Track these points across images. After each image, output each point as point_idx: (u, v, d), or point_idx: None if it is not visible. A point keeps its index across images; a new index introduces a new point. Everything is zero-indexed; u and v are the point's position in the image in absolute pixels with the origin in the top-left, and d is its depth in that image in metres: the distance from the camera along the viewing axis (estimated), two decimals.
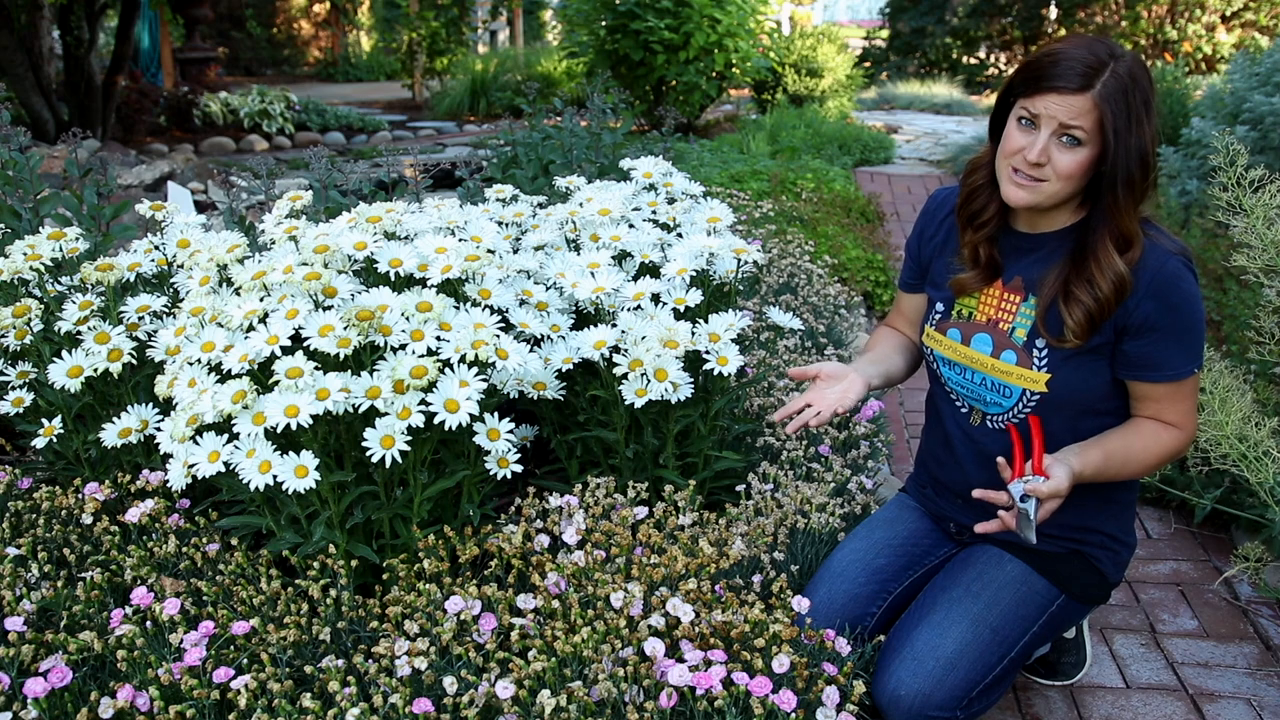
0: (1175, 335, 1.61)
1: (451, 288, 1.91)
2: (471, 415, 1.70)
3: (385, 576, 1.73)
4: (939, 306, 1.82)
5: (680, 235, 2.27)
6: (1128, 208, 1.57)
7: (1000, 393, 1.73)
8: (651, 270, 2.21)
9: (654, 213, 2.35)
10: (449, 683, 1.44)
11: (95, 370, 1.97)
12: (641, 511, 1.87)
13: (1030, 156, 1.58)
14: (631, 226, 2.28)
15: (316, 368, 1.68)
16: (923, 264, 1.89)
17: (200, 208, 5.11)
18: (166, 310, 2.11)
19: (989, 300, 1.75)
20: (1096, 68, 1.53)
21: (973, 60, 14.85)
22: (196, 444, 1.71)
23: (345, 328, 1.72)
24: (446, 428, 1.70)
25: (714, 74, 8.28)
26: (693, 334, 1.98)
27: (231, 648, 1.57)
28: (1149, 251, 1.60)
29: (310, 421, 1.64)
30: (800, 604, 1.65)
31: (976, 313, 1.76)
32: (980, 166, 1.73)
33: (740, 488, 2.08)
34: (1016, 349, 1.70)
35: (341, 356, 1.69)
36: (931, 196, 1.89)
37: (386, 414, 1.69)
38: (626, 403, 1.92)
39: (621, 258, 2.23)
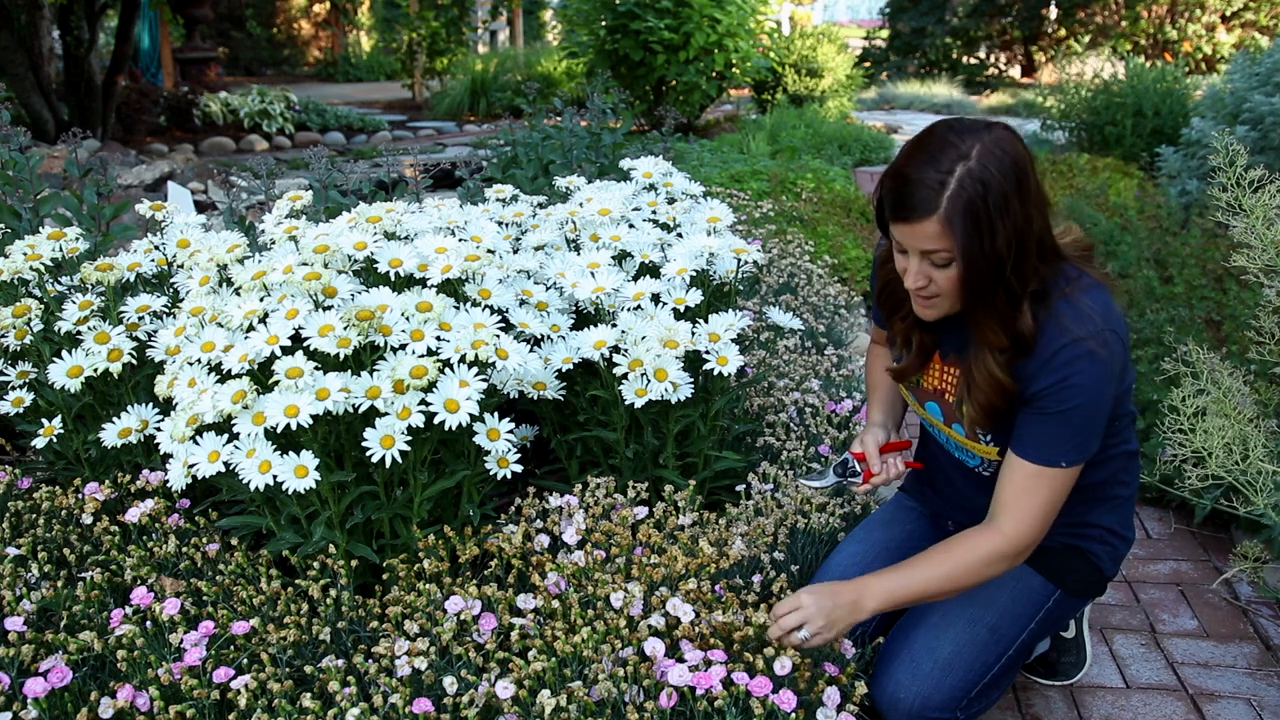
0: (1050, 418, 1.53)
1: (451, 288, 1.91)
2: (471, 415, 1.70)
3: (385, 576, 1.73)
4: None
5: (680, 235, 2.27)
6: (986, 319, 1.50)
7: (964, 453, 1.73)
8: (651, 270, 2.21)
9: (654, 213, 2.35)
10: (449, 683, 1.44)
11: (95, 370, 1.97)
12: (641, 511, 1.87)
13: (909, 285, 1.53)
14: (631, 226, 2.28)
15: (316, 368, 1.68)
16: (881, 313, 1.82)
17: (200, 208, 5.11)
18: (166, 310, 2.11)
19: (933, 371, 1.72)
20: (939, 186, 1.42)
21: (973, 60, 14.86)
22: (196, 444, 1.71)
23: (345, 328, 1.72)
24: (446, 428, 1.70)
25: (714, 74, 8.29)
26: (693, 334, 1.98)
27: (231, 648, 1.57)
28: (1055, 334, 1.50)
29: (310, 421, 1.64)
30: None
31: (924, 380, 1.74)
32: (889, 259, 1.62)
33: (740, 488, 2.08)
34: (962, 422, 1.67)
35: (341, 356, 1.69)
36: (879, 244, 1.78)
37: (386, 414, 1.69)
38: (626, 403, 1.92)
39: (621, 258, 2.23)
